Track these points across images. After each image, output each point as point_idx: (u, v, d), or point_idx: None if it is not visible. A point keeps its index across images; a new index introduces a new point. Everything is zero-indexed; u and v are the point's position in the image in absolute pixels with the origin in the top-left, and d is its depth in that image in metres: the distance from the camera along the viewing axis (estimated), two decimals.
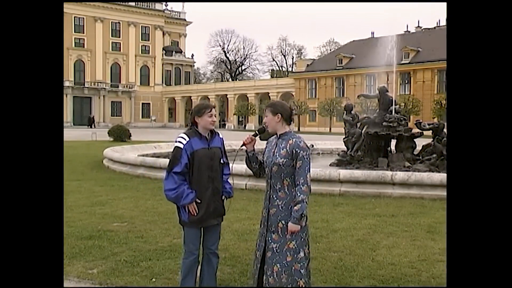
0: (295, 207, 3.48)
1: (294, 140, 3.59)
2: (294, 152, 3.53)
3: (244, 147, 3.81)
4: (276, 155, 3.60)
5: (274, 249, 3.56)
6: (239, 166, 7.10)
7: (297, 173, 3.52)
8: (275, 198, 3.60)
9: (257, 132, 3.80)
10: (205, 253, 3.98)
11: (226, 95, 75.78)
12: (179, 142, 3.80)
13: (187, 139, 3.80)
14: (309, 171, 3.54)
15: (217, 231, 4.01)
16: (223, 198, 3.98)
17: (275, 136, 3.75)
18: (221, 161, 3.93)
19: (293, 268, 3.51)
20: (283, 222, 3.55)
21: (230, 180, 4.08)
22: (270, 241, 3.60)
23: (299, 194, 3.48)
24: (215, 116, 3.90)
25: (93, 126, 65.05)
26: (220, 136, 4.02)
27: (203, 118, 3.83)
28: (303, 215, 3.49)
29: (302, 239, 3.57)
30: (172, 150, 3.88)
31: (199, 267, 3.98)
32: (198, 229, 3.89)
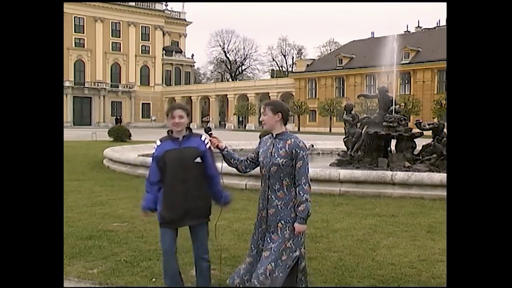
0: (299, 208, 3.48)
1: (292, 140, 3.56)
2: (293, 152, 3.51)
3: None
4: (274, 155, 3.55)
5: (272, 249, 3.54)
6: None
7: (297, 173, 3.50)
8: (274, 199, 3.57)
9: (204, 131, 3.95)
10: (195, 259, 3.93)
11: (226, 95, 75.79)
12: (154, 148, 3.88)
13: (159, 143, 3.85)
14: (308, 171, 3.53)
15: (199, 233, 3.86)
16: (221, 204, 3.89)
17: (270, 135, 3.71)
18: (195, 161, 3.75)
19: (287, 266, 3.49)
20: (282, 222, 3.54)
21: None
22: (269, 241, 3.57)
23: (302, 194, 3.48)
24: (180, 118, 3.74)
25: None
26: (203, 138, 3.83)
27: (169, 120, 3.83)
28: (309, 214, 3.49)
29: (300, 239, 3.57)
30: None
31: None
32: (173, 229, 3.82)
